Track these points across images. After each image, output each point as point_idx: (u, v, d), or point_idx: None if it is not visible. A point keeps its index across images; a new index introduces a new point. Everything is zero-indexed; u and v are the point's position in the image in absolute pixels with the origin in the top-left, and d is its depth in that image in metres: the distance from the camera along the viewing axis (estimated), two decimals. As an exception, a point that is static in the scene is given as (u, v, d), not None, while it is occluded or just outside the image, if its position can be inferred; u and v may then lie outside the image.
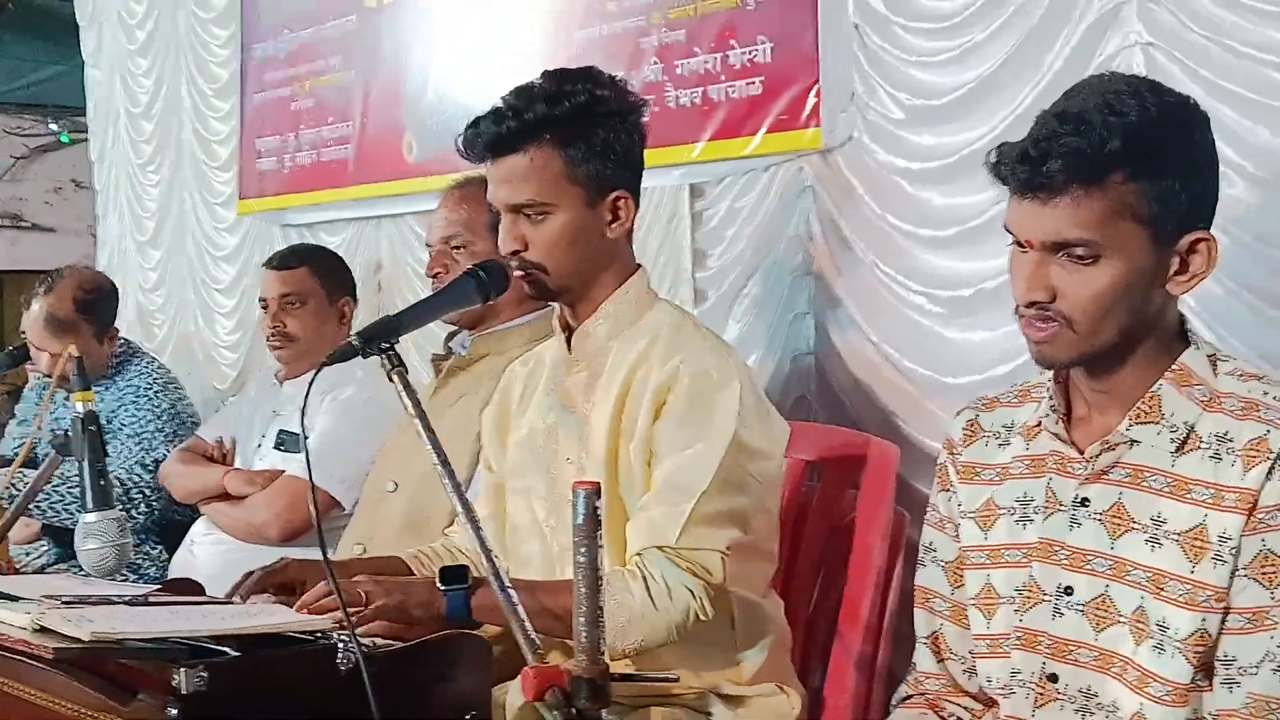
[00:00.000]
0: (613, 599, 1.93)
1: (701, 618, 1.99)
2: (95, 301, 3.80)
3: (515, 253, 2.10)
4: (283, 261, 3.49)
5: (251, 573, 2.05)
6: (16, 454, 3.95)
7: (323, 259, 3.57)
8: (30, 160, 9.35)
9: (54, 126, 9.11)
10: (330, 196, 4.54)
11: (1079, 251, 1.58)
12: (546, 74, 2.13)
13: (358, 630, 1.66)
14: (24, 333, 4.18)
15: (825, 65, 2.88)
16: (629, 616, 1.95)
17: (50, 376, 3.72)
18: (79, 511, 3.52)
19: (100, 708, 1.57)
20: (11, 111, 9.14)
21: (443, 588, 1.94)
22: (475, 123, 2.10)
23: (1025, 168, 1.58)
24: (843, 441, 2.59)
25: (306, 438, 3.13)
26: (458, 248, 2.75)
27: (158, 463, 3.63)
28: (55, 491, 3.56)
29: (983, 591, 1.76)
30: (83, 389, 2.07)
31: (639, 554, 2.00)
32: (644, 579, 1.97)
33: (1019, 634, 1.71)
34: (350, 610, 1.78)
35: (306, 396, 1.79)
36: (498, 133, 2.07)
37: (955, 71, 2.70)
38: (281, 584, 2.01)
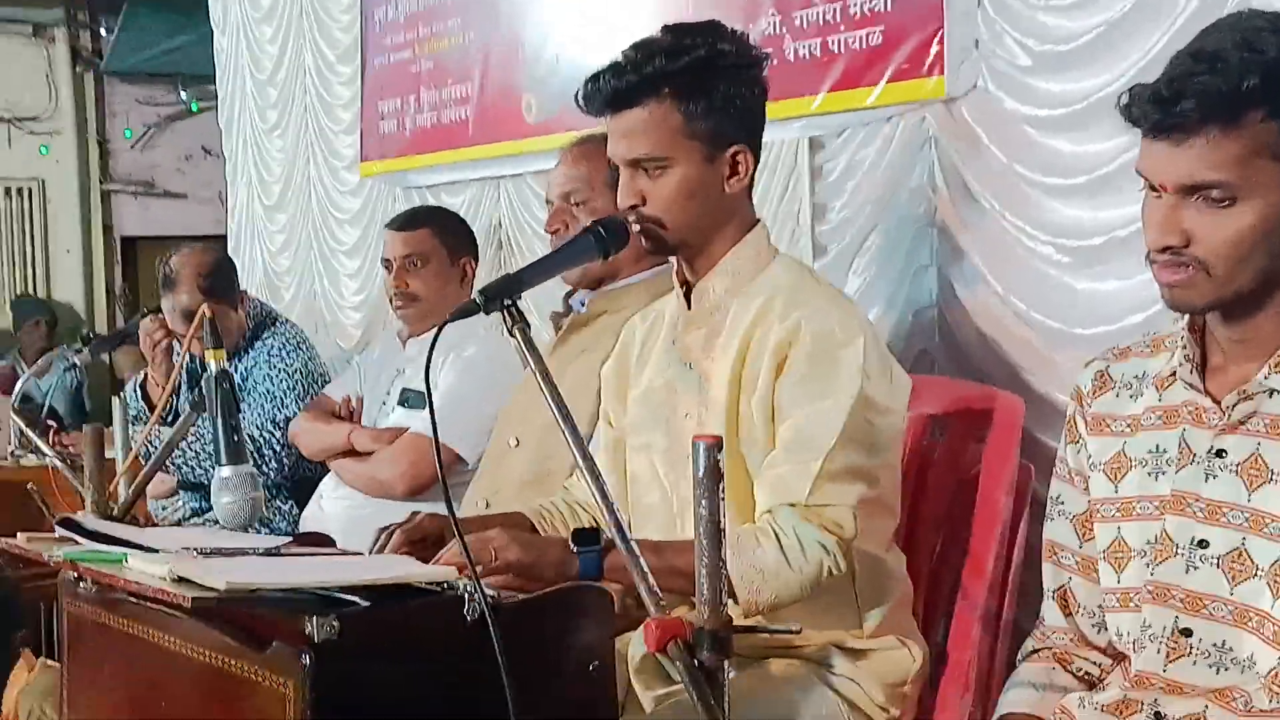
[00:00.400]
0: (745, 557, 1.93)
1: (835, 573, 1.98)
2: (216, 281, 3.89)
3: (633, 207, 2.10)
4: (405, 223, 3.53)
5: (388, 528, 2.08)
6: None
7: (444, 219, 3.60)
8: (161, 128, 9.59)
9: (184, 95, 9.31)
10: (450, 157, 4.58)
11: (1215, 194, 1.53)
12: (667, 28, 2.11)
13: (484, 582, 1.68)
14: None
15: (949, 12, 2.82)
16: (762, 574, 1.93)
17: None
18: (212, 466, 3.66)
19: (236, 655, 1.62)
20: (143, 81, 9.36)
21: (576, 549, 1.95)
22: (595, 77, 2.10)
23: (1157, 108, 1.53)
24: (967, 395, 2.55)
25: (431, 394, 3.17)
26: (577, 204, 2.75)
27: (289, 420, 3.71)
28: (190, 448, 3.66)
29: (1113, 545, 1.73)
30: (215, 347, 2.11)
31: (769, 511, 1.99)
32: (775, 536, 1.96)
33: (1151, 588, 1.67)
34: (483, 566, 1.80)
35: (430, 353, 1.80)
36: (617, 87, 2.07)
37: (1084, 15, 2.63)
38: (417, 538, 2.03)
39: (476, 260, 3.56)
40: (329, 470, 3.55)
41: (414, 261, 3.44)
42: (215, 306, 3.68)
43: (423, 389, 3.37)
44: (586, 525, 2.26)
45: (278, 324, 4.00)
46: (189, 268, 3.87)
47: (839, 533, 1.98)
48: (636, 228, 2.10)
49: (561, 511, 2.31)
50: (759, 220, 2.19)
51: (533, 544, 1.98)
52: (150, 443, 2.83)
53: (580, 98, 2.13)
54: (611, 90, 2.07)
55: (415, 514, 2.08)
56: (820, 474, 1.97)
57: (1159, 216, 1.57)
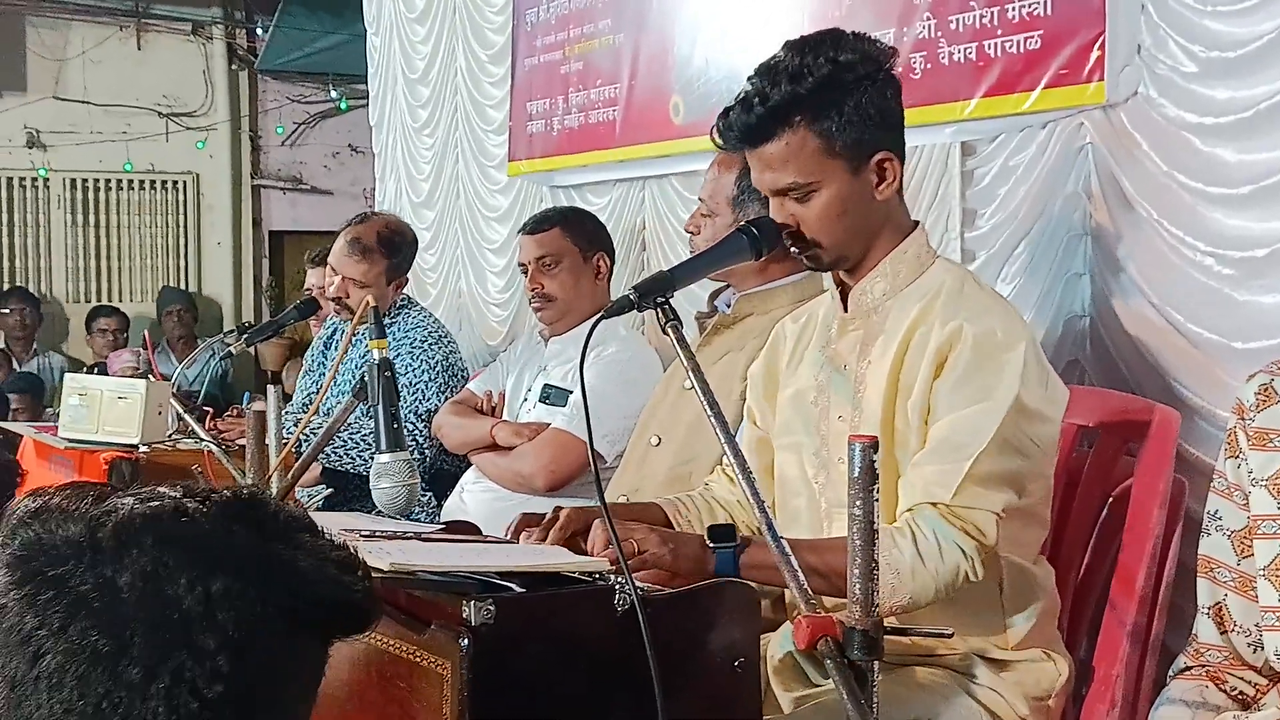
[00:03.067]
0: (881, 556, 1.91)
1: (971, 579, 1.95)
2: (397, 243, 3.98)
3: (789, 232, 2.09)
4: (535, 225, 3.56)
5: (528, 516, 2.11)
6: (307, 401, 4.18)
7: (574, 218, 3.61)
8: (311, 126, 9.79)
9: (334, 94, 9.51)
10: (597, 158, 4.60)
11: None
12: (788, 46, 2.06)
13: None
14: (308, 290, 4.41)
15: (1111, 17, 2.76)
16: (898, 574, 1.91)
17: (338, 300, 3.91)
18: (358, 456, 3.73)
19: (395, 635, 1.66)
20: (295, 79, 9.59)
21: (713, 545, 1.94)
22: (725, 113, 2.07)
23: None
24: (1120, 406, 2.51)
25: (585, 391, 3.21)
26: (704, 215, 2.78)
27: (430, 413, 3.77)
28: (336, 437, 3.74)
29: (1274, 562, 1.69)
30: (378, 337, 2.16)
31: (910, 510, 1.97)
32: (913, 535, 1.94)
33: (1313, 607, 1.63)
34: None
35: (585, 348, 1.83)
36: (748, 122, 2.04)
37: (1254, 20, 2.55)
38: (557, 527, 2.03)
39: (611, 255, 3.57)
40: (468, 464, 3.61)
41: (547, 263, 3.48)
42: (381, 257, 3.85)
43: (564, 386, 3.44)
44: (724, 522, 2.27)
45: (419, 315, 4.04)
46: (385, 218, 4.03)
47: (980, 538, 1.95)
48: (794, 249, 2.09)
49: (699, 507, 2.30)
50: (918, 223, 2.17)
51: (670, 538, 1.97)
52: (305, 433, 2.90)
53: (715, 134, 2.11)
54: (743, 126, 2.05)
55: (558, 508, 2.08)
56: (967, 476, 1.94)
57: None
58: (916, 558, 1.93)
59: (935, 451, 1.99)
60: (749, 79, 2.07)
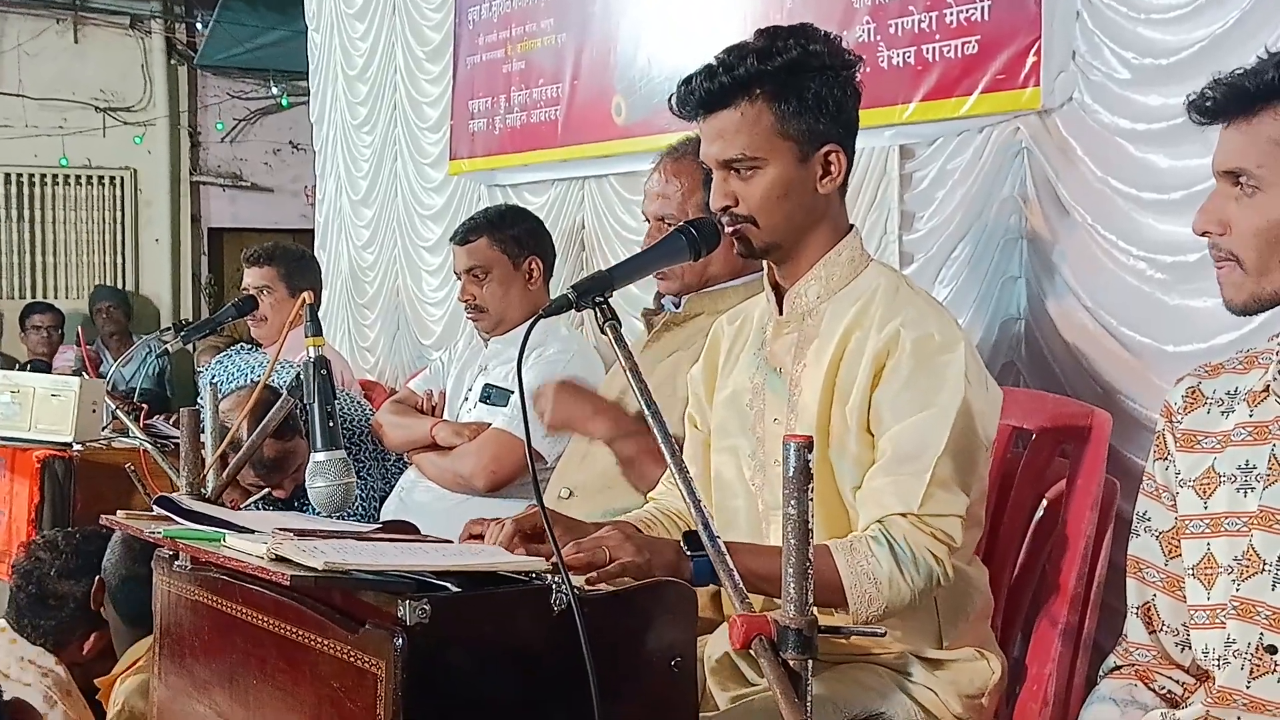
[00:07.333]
0: (859, 566, 1.93)
1: (943, 583, 1.97)
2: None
3: (726, 209, 2.10)
4: (464, 236, 3.54)
5: (482, 520, 2.07)
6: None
7: (501, 224, 3.55)
8: (251, 122, 9.71)
9: (275, 90, 9.44)
10: (539, 158, 4.60)
11: (1240, 179, 1.53)
12: (760, 31, 2.12)
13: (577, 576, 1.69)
14: (246, 288, 4.37)
15: (1047, 24, 2.80)
16: (876, 583, 1.93)
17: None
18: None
19: (328, 635, 1.65)
20: (236, 75, 9.50)
21: (690, 552, 1.92)
22: (688, 79, 2.11)
23: (1197, 95, 1.55)
24: (1054, 408, 2.54)
25: (524, 392, 3.19)
26: (669, 225, 2.75)
27: None
28: None
29: (1202, 561, 1.72)
30: (315, 334, 2.14)
31: (880, 520, 1.98)
32: (889, 545, 1.95)
33: (1236, 604, 1.66)
34: (596, 566, 1.81)
35: (522, 350, 1.82)
36: (709, 88, 2.07)
37: (1186, 28, 2.60)
38: (528, 529, 1.99)
39: (545, 255, 3.54)
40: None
41: (476, 274, 3.47)
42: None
43: (504, 386, 3.43)
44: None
45: None
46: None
47: (949, 542, 1.97)
48: (728, 229, 2.10)
49: (662, 522, 2.29)
50: (853, 226, 2.19)
51: (646, 545, 1.94)
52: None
53: (674, 101, 2.14)
54: (704, 92, 2.08)
55: (532, 506, 2.05)
56: (930, 483, 1.96)
57: (1206, 203, 1.58)
58: (894, 567, 1.94)
59: (894, 461, 2.00)
60: (716, 55, 2.09)
